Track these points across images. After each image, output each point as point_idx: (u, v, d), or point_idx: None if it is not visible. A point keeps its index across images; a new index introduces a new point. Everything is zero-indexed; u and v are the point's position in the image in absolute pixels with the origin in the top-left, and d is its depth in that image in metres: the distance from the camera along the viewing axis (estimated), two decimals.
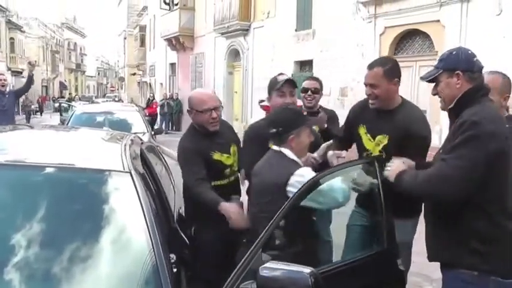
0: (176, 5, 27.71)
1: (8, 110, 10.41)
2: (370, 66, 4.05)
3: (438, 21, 11.51)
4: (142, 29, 42.86)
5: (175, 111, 28.81)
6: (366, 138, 4.07)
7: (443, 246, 3.06)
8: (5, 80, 10.73)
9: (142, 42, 43.13)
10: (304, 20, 16.83)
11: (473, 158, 2.80)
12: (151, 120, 24.30)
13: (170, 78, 32.74)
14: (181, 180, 4.29)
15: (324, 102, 14.75)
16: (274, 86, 4.13)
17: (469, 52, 3.13)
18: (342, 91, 14.72)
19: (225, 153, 4.24)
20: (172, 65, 31.84)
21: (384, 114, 4.01)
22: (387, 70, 3.93)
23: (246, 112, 20.65)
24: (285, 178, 3.30)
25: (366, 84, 4.07)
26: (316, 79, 5.63)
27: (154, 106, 28.35)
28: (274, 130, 3.48)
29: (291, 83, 4.15)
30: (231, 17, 21.30)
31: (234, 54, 22.66)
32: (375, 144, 3.99)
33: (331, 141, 4.23)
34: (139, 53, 43.96)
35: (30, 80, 11.05)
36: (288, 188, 3.28)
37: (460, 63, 3.04)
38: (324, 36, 15.70)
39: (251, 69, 20.63)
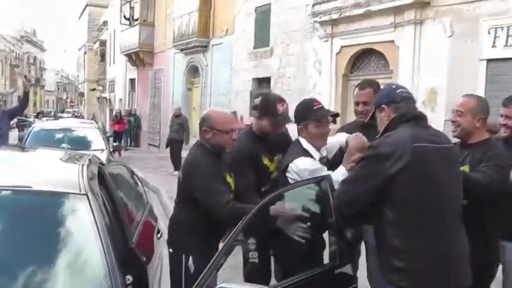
0: (136, 20, 27.55)
1: (4, 132, 9.58)
2: (362, 86, 4.55)
3: (393, 41, 11.72)
4: (103, 43, 42.33)
5: (133, 127, 28.52)
6: None
7: (378, 262, 3.21)
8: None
9: (103, 57, 42.56)
10: (262, 37, 16.90)
11: (360, 177, 3.10)
12: (118, 136, 23.85)
13: (130, 94, 32.38)
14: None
15: None
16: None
17: (393, 86, 3.45)
18: None
19: (231, 176, 4.09)
20: (132, 80, 31.55)
21: (363, 128, 4.33)
22: (376, 90, 4.33)
23: None
24: (285, 165, 3.79)
25: (358, 103, 4.51)
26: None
27: (124, 122, 27.37)
28: None
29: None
30: (190, 34, 21.24)
31: (193, 71, 22.57)
32: None
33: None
34: (100, 68, 43.37)
35: (26, 98, 10.25)
36: (287, 174, 3.74)
37: (383, 98, 3.37)
38: (281, 53, 15.81)
39: (210, 86, 20.57)
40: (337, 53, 13.48)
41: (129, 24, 28.44)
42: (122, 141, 25.45)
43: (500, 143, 4.00)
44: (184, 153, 18.21)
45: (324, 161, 3.92)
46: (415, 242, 2.95)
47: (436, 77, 10.65)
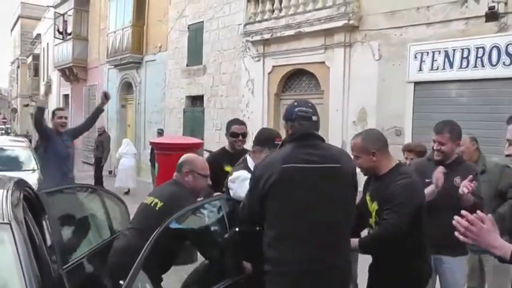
0: (69, 34, 26.84)
1: (71, 155, 8.08)
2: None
3: (323, 62, 11.75)
4: (36, 58, 40.88)
5: None
6: None
7: None
8: (66, 118, 7.99)
9: (36, 72, 41.02)
10: (195, 55, 16.74)
11: (247, 197, 3.46)
12: None
13: None
14: None
15: (215, 138, 14.76)
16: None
17: (295, 103, 3.54)
18: None
19: None
20: (66, 96, 30.62)
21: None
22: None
23: (139, 146, 20.03)
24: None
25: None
26: (243, 123, 5.64)
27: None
28: None
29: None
30: (123, 49, 20.91)
31: (127, 87, 22.15)
32: None
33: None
34: (33, 83, 41.69)
35: (97, 115, 8.38)
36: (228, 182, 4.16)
37: (285, 114, 3.54)
38: (214, 72, 15.68)
39: (143, 103, 20.22)
40: (269, 73, 13.44)
41: (63, 39, 27.63)
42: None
43: (406, 169, 4.07)
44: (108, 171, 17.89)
45: None
46: (278, 251, 3.22)
47: (366, 97, 10.75)
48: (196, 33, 16.71)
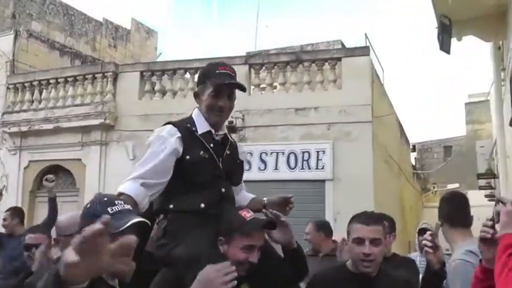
0: None
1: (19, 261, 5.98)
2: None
3: (80, 159, 12.37)
4: None
5: None
6: None
7: None
8: (4, 219, 7.12)
9: None
10: None
11: None
12: None
13: None
14: None
15: None
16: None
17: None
18: None
19: None
20: None
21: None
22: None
23: None
24: None
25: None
26: None
27: None
28: None
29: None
30: None
31: None
32: None
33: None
34: None
35: (55, 207, 7.04)
36: None
37: None
38: None
39: None
40: (25, 167, 13.64)
41: None
42: None
43: None
44: None
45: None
46: None
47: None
48: None
